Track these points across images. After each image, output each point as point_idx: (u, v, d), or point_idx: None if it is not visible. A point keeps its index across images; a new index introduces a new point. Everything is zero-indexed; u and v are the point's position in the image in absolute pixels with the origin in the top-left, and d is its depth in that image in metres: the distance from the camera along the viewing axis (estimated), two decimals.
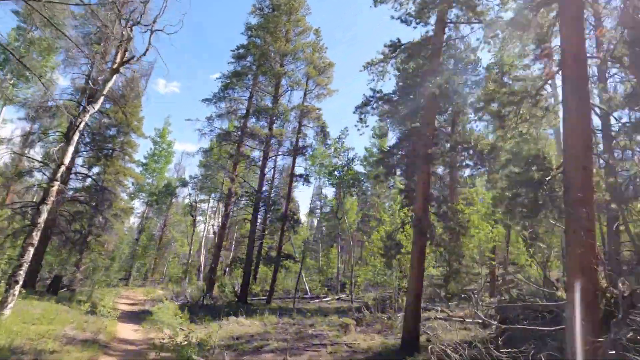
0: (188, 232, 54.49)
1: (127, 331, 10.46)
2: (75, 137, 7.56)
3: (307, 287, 28.39)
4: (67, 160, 7.46)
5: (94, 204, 16.61)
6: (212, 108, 25.02)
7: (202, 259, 36.48)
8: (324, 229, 45.55)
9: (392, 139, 29.95)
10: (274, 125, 20.73)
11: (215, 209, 44.23)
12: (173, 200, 44.10)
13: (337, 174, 21.65)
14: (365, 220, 47.42)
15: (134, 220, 64.80)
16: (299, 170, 31.89)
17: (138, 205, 44.19)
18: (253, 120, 23.27)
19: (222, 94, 23.52)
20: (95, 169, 20.07)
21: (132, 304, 19.88)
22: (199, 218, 44.21)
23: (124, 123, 25.73)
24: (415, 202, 9.22)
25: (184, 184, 36.66)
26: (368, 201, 49.25)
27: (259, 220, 20.27)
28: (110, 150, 26.11)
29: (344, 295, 26.96)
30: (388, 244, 12.50)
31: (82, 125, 7.74)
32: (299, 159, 20.96)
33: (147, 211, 40.90)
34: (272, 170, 21.40)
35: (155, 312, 10.32)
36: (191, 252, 31.55)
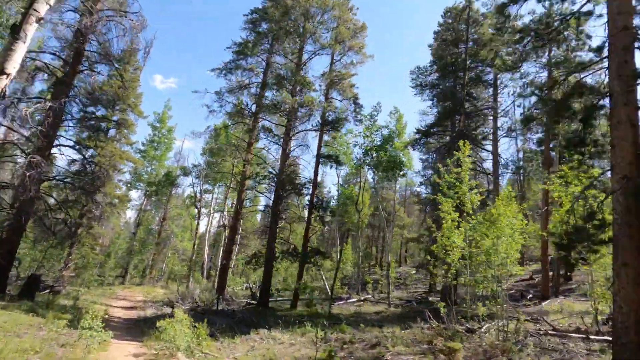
0: (190, 227, 51.35)
1: (125, 358, 7.20)
2: (30, 30, 4.28)
3: (327, 287, 25.24)
4: (13, 68, 4.15)
5: (84, 187, 13.28)
6: (222, 82, 21.63)
7: (205, 255, 33.21)
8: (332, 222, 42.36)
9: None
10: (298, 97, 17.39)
11: (219, 200, 41.01)
12: (173, 191, 40.78)
13: (366, 158, 18.43)
14: (380, 215, 44.39)
15: (130, 215, 61.46)
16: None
17: (135, 197, 40.91)
18: (269, 95, 19.97)
19: (234, 63, 20.15)
20: (88, 153, 16.69)
21: (130, 308, 16.61)
22: (202, 210, 40.96)
23: (120, 98, 22.35)
24: (616, 157, 5.83)
25: (186, 172, 33.35)
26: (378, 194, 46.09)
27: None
28: (105, 128, 22.73)
29: (369, 296, 23.83)
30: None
31: (42, 10, 4.44)
32: (326, 139, 17.72)
33: (145, 203, 37.53)
34: (295, 150, 18.03)
35: (165, 328, 7.06)
36: (195, 247, 28.27)
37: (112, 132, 26.15)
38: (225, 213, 30.09)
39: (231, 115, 20.67)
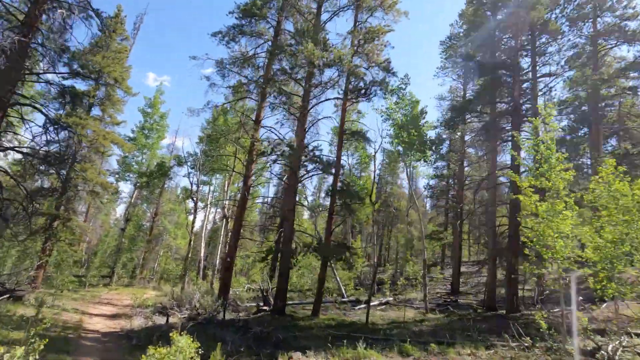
0: (184, 222, 48.08)
1: None
2: None
3: (342, 288, 22.29)
4: None
5: (48, 158, 10.10)
6: (223, 52, 18.37)
7: (202, 253, 30.04)
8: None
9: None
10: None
11: (217, 194, 37.79)
12: (166, 184, 37.52)
13: (398, 136, 15.45)
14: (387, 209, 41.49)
15: (120, 212, 57.95)
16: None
17: (126, 190, 37.50)
18: (277, 67, 16.93)
19: (239, 28, 17.05)
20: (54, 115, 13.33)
21: (113, 316, 13.48)
22: (198, 204, 37.73)
23: (105, 69, 19.13)
24: None
25: (181, 162, 30.13)
26: (388, 187, 43.13)
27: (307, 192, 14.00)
28: (86, 105, 19.48)
29: (389, 299, 20.92)
30: None
31: None
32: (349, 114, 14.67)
33: (136, 197, 34.16)
34: (312, 125, 14.97)
35: None
36: (191, 243, 25.11)
37: (97, 112, 22.93)
38: (227, 203, 26.94)
39: (235, 89, 17.60)
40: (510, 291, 12.17)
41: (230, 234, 17.69)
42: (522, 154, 12.33)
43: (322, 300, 15.74)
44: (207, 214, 28.63)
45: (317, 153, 13.18)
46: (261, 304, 15.09)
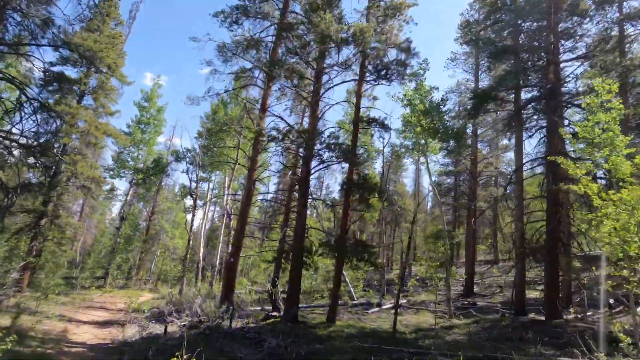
0: (182, 221, 46.63)
1: None
2: None
3: (352, 290, 20.90)
4: None
5: (25, 144, 8.68)
6: (225, 35, 16.97)
7: (200, 253, 28.58)
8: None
9: None
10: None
11: (215, 192, 36.31)
12: (163, 182, 36.03)
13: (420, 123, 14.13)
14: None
15: (116, 212, 56.36)
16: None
17: (121, 189, 36.05)
18: (282, 50, 15.57)
19: (242, 9, 15.67)
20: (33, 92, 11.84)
21: (104, 324, 12.04)
22: (197, 202, 36.25)
23: (98, 55, 17.67)
24: None
25: (179, 157, 28.66)
26: (391, 184, 41.72)
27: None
28: (77, 93, 18.03)
29: (402, 301, 19.56)
30: None
31: None
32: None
33: (132, 194, 32.62)
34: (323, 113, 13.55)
35: None
36: (190, 243, 23.63)
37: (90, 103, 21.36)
38: (228, 199, 25.51)
39: (238, 76, 16.21)
40: (551, 294, 10.85)
41: (232, 232, 16.30)
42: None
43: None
44: (207, 212, 27.24)
45: (333, 140, 11.77)
46: (268, 308, 13.68)
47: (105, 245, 39.65)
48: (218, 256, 27.53)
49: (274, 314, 12.29)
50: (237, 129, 17.53)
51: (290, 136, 11.34)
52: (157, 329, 10.35)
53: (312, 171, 12.84)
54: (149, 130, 31.52)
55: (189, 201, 30.06)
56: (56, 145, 15.14)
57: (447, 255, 15.68)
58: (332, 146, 11.27)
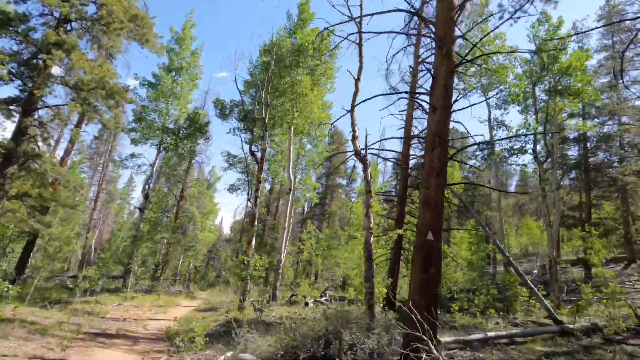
0: (212, 211, 38.86)
1: None
2: None
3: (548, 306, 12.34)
4: None
5: None
6: None
7: (284, 244, 20.29)
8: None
9: None
10: None
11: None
12: (194, 161, 28.11)
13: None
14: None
15: (135, 203, 48.99)
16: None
17: (146, 156, 28.35)
18: None
19: None
20: None
21: None
22: (237, 182, 28.15)
23: None
24: None
25: (224, 111, 20.64)
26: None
27: None
28: None
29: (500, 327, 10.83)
30: None
31: None
32: None
33: (157, 168, 24.69)
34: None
35: None
36: (255, 226, 15.19)
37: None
38: None
39: None
40: None
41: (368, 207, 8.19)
42: None
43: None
44: (293, 188, 18.00)
45: None
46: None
47: (125, 239, 31.93)
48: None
49: None
50: None
51: None
52: None
53: None
54: (181, 82, 23.60)
55: (232, 175, 21.85)
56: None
57: None
58: None
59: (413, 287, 5.87)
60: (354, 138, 9.17)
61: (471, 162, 23.93)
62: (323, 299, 17.00)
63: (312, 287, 18.08)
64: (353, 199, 46.30)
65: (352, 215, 20.41)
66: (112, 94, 8.83)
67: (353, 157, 9.12)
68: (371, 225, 8.33)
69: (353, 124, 9.29)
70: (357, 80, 9.99)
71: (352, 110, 9.43)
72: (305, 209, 42.44)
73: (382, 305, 10.63)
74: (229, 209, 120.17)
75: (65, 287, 11.96)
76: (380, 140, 13.27)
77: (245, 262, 9.60)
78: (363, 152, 9.05)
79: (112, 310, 12.72)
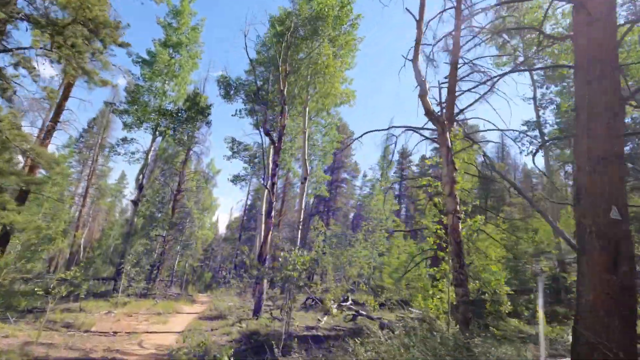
0: (211, 207, 36.40)
1: None
2: None
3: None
4: None
5: None
6: None
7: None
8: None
9: None
10: None
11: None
12: (192, 152, 25.55)
13: None
14: None
15: (126, 202, 46.45)
16: None
17: (140, 139, 25.89)
18: None
19: None
20: None
21: None
22: (242, 171, 25.60)
23: None
24: None
25: (228, 90, 18.21)
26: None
27: None
28: None
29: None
30: None
31: None
32: None
33: (153, 150, 21.97)
34: None
35: None
36: (267, 223, 12.77)
37: None
38: None
39: None
40: None
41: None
42: None
43: None
44: (308, 176, 15.63)
45: None
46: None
47: (116, 237, 29.31)
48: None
49: None
50: None
51: None
52: None
53: None
54: (179, 60, 21.09)
55: (236, 164, 19.49)
56: None
57: None
58: None
59: (592, 298, 3.58)
60: (423, 94, 6.85)
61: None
62: (347, 303, 14.73)
63: (336, 288, 15.76)
64: (361, 192, 44.04)
65: (372, 207, 18.09)
66: (97, 28, 6.37)
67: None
68: (458, 207, 6.04)
69: (419, 76, 6.99)
70: (419, 21, 7.67)
71: (415, 59, 7.15)
72: (310, 205, 40.15)
73: (445, 321, 8.25)
74: (224, 208, 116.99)
75: (46, 292, 9.54)
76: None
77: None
78: (438, 111, 6.74)
79: (99, 321, 10.29)
